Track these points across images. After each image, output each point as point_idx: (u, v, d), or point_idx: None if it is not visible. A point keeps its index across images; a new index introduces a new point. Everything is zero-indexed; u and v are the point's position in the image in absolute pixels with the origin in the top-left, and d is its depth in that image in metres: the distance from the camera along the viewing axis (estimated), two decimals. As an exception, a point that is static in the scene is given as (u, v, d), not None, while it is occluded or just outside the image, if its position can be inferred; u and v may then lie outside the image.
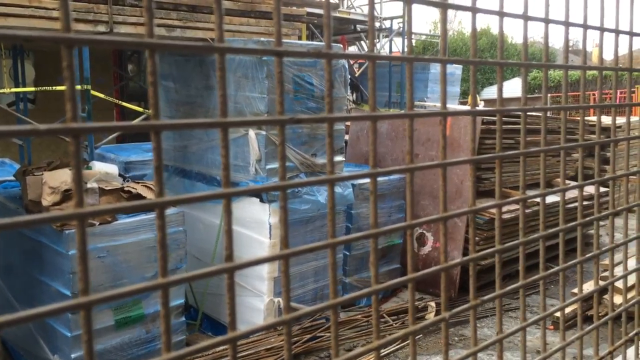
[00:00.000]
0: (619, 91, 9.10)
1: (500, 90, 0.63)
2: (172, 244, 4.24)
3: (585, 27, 0.80)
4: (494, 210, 5.66)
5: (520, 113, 0.79)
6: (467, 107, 9.18)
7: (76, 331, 3.69)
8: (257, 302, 4.79)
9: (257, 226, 4.74)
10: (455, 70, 11.56)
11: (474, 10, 0.54)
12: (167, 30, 4.79)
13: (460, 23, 30.73)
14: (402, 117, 0.49)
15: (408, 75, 0.50)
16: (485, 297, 0.59)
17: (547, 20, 0.71)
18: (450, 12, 31.46)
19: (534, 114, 1.02)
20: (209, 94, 5.14)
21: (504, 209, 5.94)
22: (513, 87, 15.30)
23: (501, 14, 0.62)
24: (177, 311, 4.29)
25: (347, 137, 7.19)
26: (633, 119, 5.85)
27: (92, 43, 0.42)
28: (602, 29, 0.85)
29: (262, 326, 0.50)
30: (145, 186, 4.48)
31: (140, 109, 6.14)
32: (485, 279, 5.76)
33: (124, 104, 6.35)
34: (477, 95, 18.35)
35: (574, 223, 0.82)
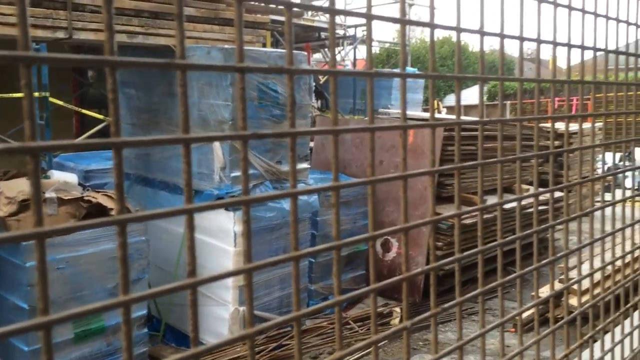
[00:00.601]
0: (573, 98, 9.39)
1: (458, 102, 0.65)
2: (134, 253, 4.16)
3: (538, 41, 0.83)
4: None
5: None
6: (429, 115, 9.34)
7: (34, 345, 3.58)
8: (222, 312, 4.74)
9: (222, 235, 4.70)
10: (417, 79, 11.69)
11: (432, 26, 0.56)
12: (128, 36, 4.72)
13: (422, 32, 31.22)
14: (363, 130, 0.50)
15: (369, 89, 0.51)
16: (446, 305, 0.60)
17: (502, 35, 0.73)
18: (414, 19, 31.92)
19: (493, 119, 1.05)
20: (173, 101, 5.08)
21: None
22: (474, 94, 15.64)
23: (458, 30, 0.64)
24: (139, 322, 4.21)
25: (312, 144, 7.22)
26: (586, 125, 6.05)
27: (52, 62, 0.41)
28: (554, 43, 0.89)
29: (224, 341, 0.50)
30: (106, 195, 4.39)
31: (100, 117, 6.02)
32: (449, 283, 5.85)
33: (84, 111, 6.21)
34: (440, 103, 18.67)
35: (529, 231, 0.85)
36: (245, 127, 0.43)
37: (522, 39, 0.78)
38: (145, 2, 4.89)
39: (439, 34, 25.90)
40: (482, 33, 0.65)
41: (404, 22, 0.53)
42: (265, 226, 4.77)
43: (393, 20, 0.53)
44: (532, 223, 1.05)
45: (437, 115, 9.46)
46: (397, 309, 5.54)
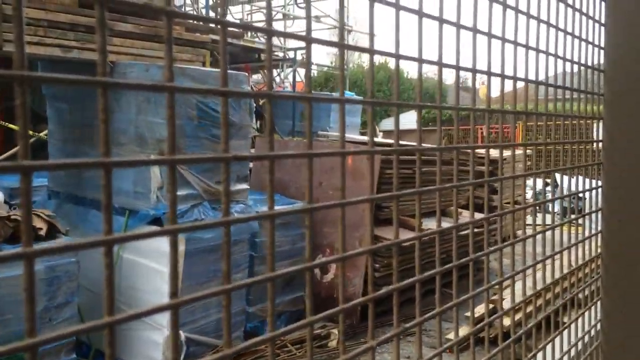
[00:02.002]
0: (504, 125, 9.82)
1: (397, 129, 0.66)
2: (63, 275, 3.96)
3: (474, 71, 0.85)
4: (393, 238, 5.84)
5: (417, 145, 0.83)
6: (366, 138, 9.52)
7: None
8: (157, 336, 4.58)
9: (157, 255, 4.56)
10: (357, 101, 11.91)
11: (371, 51, 0.56)
12: (62, 51, 4.56)
13: (360, 57, 31.90)
14: (300, 156, 0.49)
15: (307, 114, 0.50)
16: (381, 338, 0.60)
17: (440, 64, 0.75)
18: (350, 42, 32.65)
19: (429, 146, 1.07)
20: (109, 117, 4.92)
21: (404, 236, 6.15)
22: (410, 119, 16.04)
23: (397, 57, 0.64)
24: (67, 347, 3.99)
25: (252, 164, 7.16)
26: (518, 152, 6.34)
27: (46, 81, 0.38)
28: (489, 74, 0.92)
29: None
30: (34, 214, 4.17)
31: (29, 132, 5.75)
32: (386, 305, 5.90)
33: (10, 125, 5.91)
34: (377, 127, 19.07)
35: (468, 258, 0.86)
36: (174, 152, 0.41)
37: (458, 68, 0.81)
38: (82, 16, 4.74)
39: (375, 60, 26.56)
40: (420, 61, 0.66)
41: (342, 46, 0.53)
42: (204, 247, 4.67)
43: (332, 44, 0.52)
44: (467, 244, 1.08)
45: (374, 140, 9.64)
46: (335, 331, 5.53)
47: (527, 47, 1.11)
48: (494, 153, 7.48)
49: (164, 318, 4.53)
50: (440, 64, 0.75)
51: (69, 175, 5.29)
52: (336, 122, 10.67)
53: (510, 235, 1.14)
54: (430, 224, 6.29)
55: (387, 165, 6.41)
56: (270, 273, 0.43)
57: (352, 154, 0.54)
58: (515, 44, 0.98)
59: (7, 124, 5.82)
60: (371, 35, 0.57)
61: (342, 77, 0.54)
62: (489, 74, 0.88)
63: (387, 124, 22.69)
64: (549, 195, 1.71)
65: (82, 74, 0.45)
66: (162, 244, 4.52)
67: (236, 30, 11.90)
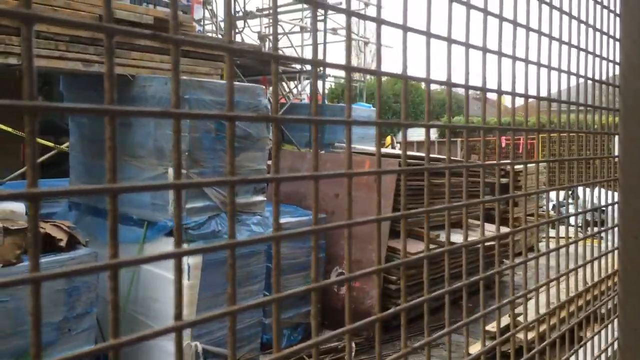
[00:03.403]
0: (519, 137, 9.74)
1: (404, 144, 0.67)
2: (82, 286, 4.02)
3: (484, 90, 0.86)
4: (410, 250, 5.82)
5: (436, 157, 0.84)
6: (385, 150, 9.44)
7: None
8: (171, 346, 4.60)
9: (173, 268, 4.59)
10: (372, 113, 11.96)
11: (379, 73, 0.58)
12: (84, 65, 4.65)
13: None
14: (306, 178, 0.51)
15: (314, 137, 0.52)
16: (416, 345, 0.61)
17: (449, 84, 0.76)
18: (369, 57, 32.76)
19: (441, 156, 1.08)
20: (127, 131, 5.00)
21: (416, 249, 6.13)
22: (423, 131, 15.94)
23: (405, 77, 0.66)
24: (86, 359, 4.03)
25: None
26: (531, 165, 6.27)
27: (55, 110, 0.41)
28: (499, 92, 0.93)
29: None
30: (55, 225, 4.25)
31: (51, 144, 5.86)
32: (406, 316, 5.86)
33: (36, 139, 6.04)
34: (394, 138, 19.01)
35: (491, 272, 0.87)
36: (179, 176, 0.43)
37: (467, 87, 0.82)
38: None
39: (394, 70, 26.55)
40: (428, 81, 0.67)
41: (349, 69, 0.54)
42: (219, 259, 4.70)
43: (338, 66, 0.54)
44: (471, 259, 1.08)
45: (391, 151, 9.62)
46: (353, 344, 5.51)
47: (539, 64, 1.11)
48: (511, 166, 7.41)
49: (181, 329, 4.55)
50: (450, 84, 0.76)
51: (89, 187, 5.37)
52: (354, 134, 10.67)
53: (523, 250, 1.14)
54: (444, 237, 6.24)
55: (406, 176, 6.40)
56: (275, 294, 0.45)
57: (357, 175, 0.55)
58: (527, 61, 0.99)
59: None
60: (379, 56, 0.59)
61: (349, 97, 0.55)
62: (499, 92, 0.89)
63: (406, 134, 22.54)
64: (570, 207, 1.71)
65: (101, 87, 0.47)
66: (180, 255, 4.55)
67: (254, 42, 12.01)
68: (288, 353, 0.45)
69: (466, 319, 0.85)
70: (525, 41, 1.06)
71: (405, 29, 0.59)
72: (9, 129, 5.21)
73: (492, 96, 0.99)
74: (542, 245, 1.80)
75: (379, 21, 0.54)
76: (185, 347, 4.59)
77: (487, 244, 1.09)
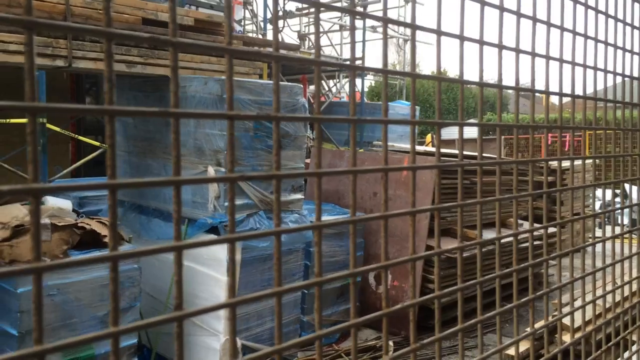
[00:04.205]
0: (566, 134, 9.49)
1: (438, 148, 0.68)
2: (126, 281, 4.14)
3: (533, 91, 0.87)
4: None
5: (475, 154, 0.85)
6: (425, 148, 9.38)
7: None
8: (213, 342, 4.70)
9: (214, 264, 4.69)
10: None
11: (413, 75, 0.60)
12: (127, 66, 4.79)
13: (418, 65, 31.66)
14: (345, 172, 0.53)
15: (352, 135, 0.54)
16: (425, 341, 0.62)
17: (500, 87, 0.77)
18: (408, 54, 32.41)
19: (489, 155, 1.09)
20: (168, 131, 5.12)
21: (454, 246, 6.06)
22: (469, 129, 15.75)
23: (439, 79, 0.67)
24: (129, 351, 4.16)
25: (306, 174, 7.25)
26: (578, 162, 6.12)
27: (54, 110, 0.44)
28: (547, 93, 0.93)
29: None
30: (100, 222, 4.39)
31: (97, 143, 6.05)
32: (445, 316, 5.82)
33: (81, 137, 6.26)
34: (435, 136, 18.78)
35: (524, 264, 0.87)
36: (232, 169, 0.46)
37: (518, 89, 0.82)
38: (145, 33, 4.98)
39: (434, 69, 26.27)
40: (462, 82, 0.68)
41: (385, 72, 0.56)
42: (258, 256, 4.77)
43: (376, 70, 0.56)
44: (527, 257, 1.08)
45: (431, 149, 9.53)
46: (390, 343, 5.50)
47: (584, 66, 1.10)
48: (554, 163, 7.25)
49: (220, 324, 4.65)
50: (500, 87, 0.77)
51: (132, 185, 5.53)
52: (394, 133, 10.64)
53: (571, 247, 1.14)
54: (487, 236, 6.16)
55: (444, 175, 6.35)
56: (317, 278, 0.47)
57: (393, 170, 0.57)
58: (561, 61, 0.98)
59: (78, 136, 6.16)
60: (413, 61, 0.60)
61: (385, 98, 0.57)
62: (533, 91, 0.89)
63: (444, 133, 22.39)
64: (617, 206, 1.67)
65: (144, 87, 0.50)
66: (219, 252, 4.65)
67: (293, 42, 12.09)
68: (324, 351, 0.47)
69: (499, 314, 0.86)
70: (572, 44, 1.06)
71: (439, 33, 0.60)
72: (58, 129, 5.41)
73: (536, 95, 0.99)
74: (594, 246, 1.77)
75: (414, 27, 0.56)
76: (224, 342, 4.68)
77: (534, 243, 1.09)
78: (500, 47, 0.74)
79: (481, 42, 0.70)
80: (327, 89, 13.37)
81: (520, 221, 7.42)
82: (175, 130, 0.47)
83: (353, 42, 0.56)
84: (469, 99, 24.12)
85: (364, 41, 11.70)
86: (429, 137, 18.07)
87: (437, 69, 0.64)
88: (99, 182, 0.43)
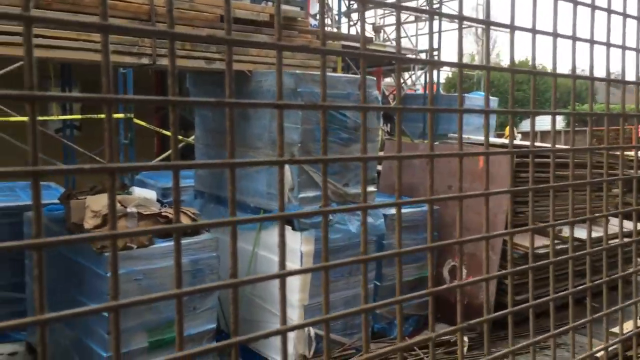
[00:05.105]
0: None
1: (511, 133, 0.68)
2: (205, 268, 4.33)
3: (624, 82, 0.84)
4: (528, 245, 5.58)
5: (561, 147, 0.83)
6: (502, 140, 9.10)
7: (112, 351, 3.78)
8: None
9: (289, 254, 4.80)
10: (491, 103, 11.46)
11: (487, 68, 0.60)
12: (206, 62, 4.97)
13: (497, 55, 30.67)
14: (422, 157, 0.54)
15: (430, 125, 0.55)
16: (498, 354, 0.63)
17: (592, 78, 0.76)
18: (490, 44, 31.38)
19: (561, 146, 1.06)
20: (246, 124, 5.28)
21: (540, 243, 5.85)
22: (550, 120, 15.07)
23: (512, 71, 0.67)
24: (208, 335, 4.35)
25: (379, 167, 7.24)
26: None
27: (124, 101, 0.49)
28: (624, 82, 0.90)
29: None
30: (182, 212, 4.61)
31: (180, 137, 6.34)
32: (521, 315, 5.64)
33: (165, 132, 6.57)
34: (515, 128, 18.16)
35: (615, 275, 0.85)
36: (282, 154, 0.48)
37: (609, 80, 0.81)
38: (223, 30, 5.14)
39: (516, 58, 25.34)
40: (533, 73, 0.68)
41: (461, 65, 0.57)
42: (331, 247, 4.83)
43: (451, 64, 0.57)
44: (614, 254, 1.05)
45: (508, 142, 9.20)
46: (465, 338, 5.41)
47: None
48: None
49: (295, 313, 4.75)
50: (592, 79, 0.75)
51: (212, 177, 5.75)
52: (469, 125, 10.40)
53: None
54: (576, 233, 5.89)
55: (522, 168, 6.14)
56: (398, 249, 0.49)
57: (467, 155, 0.58)
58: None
59: (162, 130, 6.47)
60: (487, 54, 0.61)
61: (460, 90, 0.58)
62: (624, 82, 0.86)
63: (525, 125, 21.56)
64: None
65: (223, 83, 0.54)
66: (294, 243, 4.75)
67: (367, 35, 12.04)
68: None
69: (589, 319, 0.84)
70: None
71: (512, 28, 0.60)
72: (144, 124, 5.71)
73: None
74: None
75: (487, 23, 0.56)
76: (299, 331, 4.78)
77: (621, 240, 1.05)
78: (592, 42, 0.72)
79: (574, 38, 0.69)
80: (401, 81, 13.24)
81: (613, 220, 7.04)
82: (230, 119, 0.51)
83: (431, 40, 0.57)
84: (548, 91, 23.04)
85: (440, 32, 11.47)
86: (508, 130, 17.48)
87: (510, 61, 0.64)
88: (164, 163, 0.48)
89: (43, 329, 0.51)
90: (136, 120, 5.55)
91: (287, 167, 4.83)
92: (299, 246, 4.73)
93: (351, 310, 0.57)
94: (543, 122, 15.90)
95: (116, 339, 0.50)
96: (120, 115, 6.73)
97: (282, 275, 0.53)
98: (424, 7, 13.73)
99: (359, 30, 13.39)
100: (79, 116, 7.61)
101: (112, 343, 0.55)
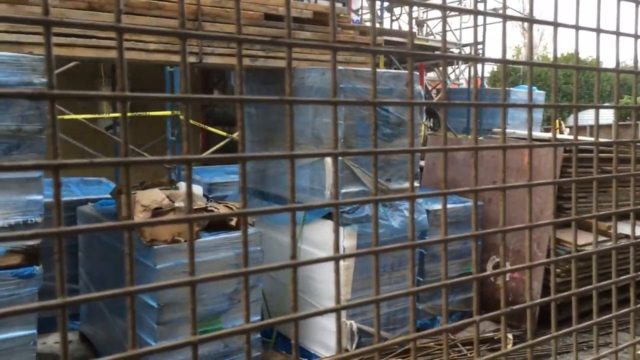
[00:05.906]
0: None
1: (554, 126, 0.70)
2: (250, 262, 4.39)
3: None
4: (578, 242, 5.46)
5: (609, 140, 0.84)
6: (548, 135, 8.90)
7: (161, 341, 3.92)
8: (330, 324, 4.86)
9: (330, 249, 4.83)
10: (537, 97, 11.25)
11: (530, 64, 0.62)
12: (251, 60, 5.06)
13: (545, 48, 29.89)
14: (469, 149, 0.57)
15: (473, 120, 0.58)
16: (541, 338, 0.65)
17: (636, 72, 0.77)
18: (536, 36, 30.64)
19: (604, 140, 1.07)
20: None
21: (586, 241, 5.71)
22: (603, 113, 14.63)
23: (555, 66, 0.69)
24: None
25: (422, 162, 7.20)
26: None
27: (187, 101, 0.54)
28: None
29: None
30: (227, 206, 4.71)
31: (224, 134, 6.47)
32: (567, 312, 5.53)
33: (210, 128, 6.72)
34: (562, 122, 17.69)
35: None
36: (336, 147, 0.52)
37: (636, 72, 0.81)
38: (267, 27, 5.22)
39: (564, 50, 24.63)
40: (598, 70, 0.69)
41: (504, 62, 0.59)
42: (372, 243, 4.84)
43: (495, 60, 0.59)
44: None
45: (558, 136, 9.00)
46: (510, 336, 5.35)
47: None
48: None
49: (338, 308, 4.79)
50: (598, 69, 0.76)
51: (255, 173, 5.85)
52: (514, 119, 10.21)
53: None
54: (622, 229, 5.73)
55: (569, 163, 6.00)
56: (443, 237, 0.52)
57: (512, 148, 0.60)
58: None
59: (207, 127, 6.63)
60: (530, 51, 0.63)
61: (504, 86, 0.60)
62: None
63: (573, 119, 20.89)
64: None
65: (267, 79, 0.58)
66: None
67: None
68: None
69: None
70: None
71: (555, 24, 0.62)
72: (190, 121, 5.86)
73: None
74: None
75: (531, 21, 0.58)
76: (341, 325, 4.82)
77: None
78: (636, 37, 0.73)
79: (617, 33, 0.70)
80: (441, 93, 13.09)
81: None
82: (290, 114, 0.55)
83: (475, 37, 0.59)
84: (603, 82, 22.31)
85: (485, 24, 11.27)
86: (556, 123, 17.02)
87: (553, 57, 0.66)
88: (232, 155, 0.53)
89: (63, 311, 0.56)
90: (182, 117, 5.70)
91: (329, 161, 4.87)
92: (342, 241, 4.77)
93: (399, 292, 0.60)
94: (588, 116, 15.43)
95: (132, 321, 0.55)
96: (168, 113, 6.93)
97: (336, 258, 0.57)
98: (468, 7, 13.52)
99: (401, 25, 13.29)
100: (129, 114, 7.83)
101: (129, 325, 0.61)
